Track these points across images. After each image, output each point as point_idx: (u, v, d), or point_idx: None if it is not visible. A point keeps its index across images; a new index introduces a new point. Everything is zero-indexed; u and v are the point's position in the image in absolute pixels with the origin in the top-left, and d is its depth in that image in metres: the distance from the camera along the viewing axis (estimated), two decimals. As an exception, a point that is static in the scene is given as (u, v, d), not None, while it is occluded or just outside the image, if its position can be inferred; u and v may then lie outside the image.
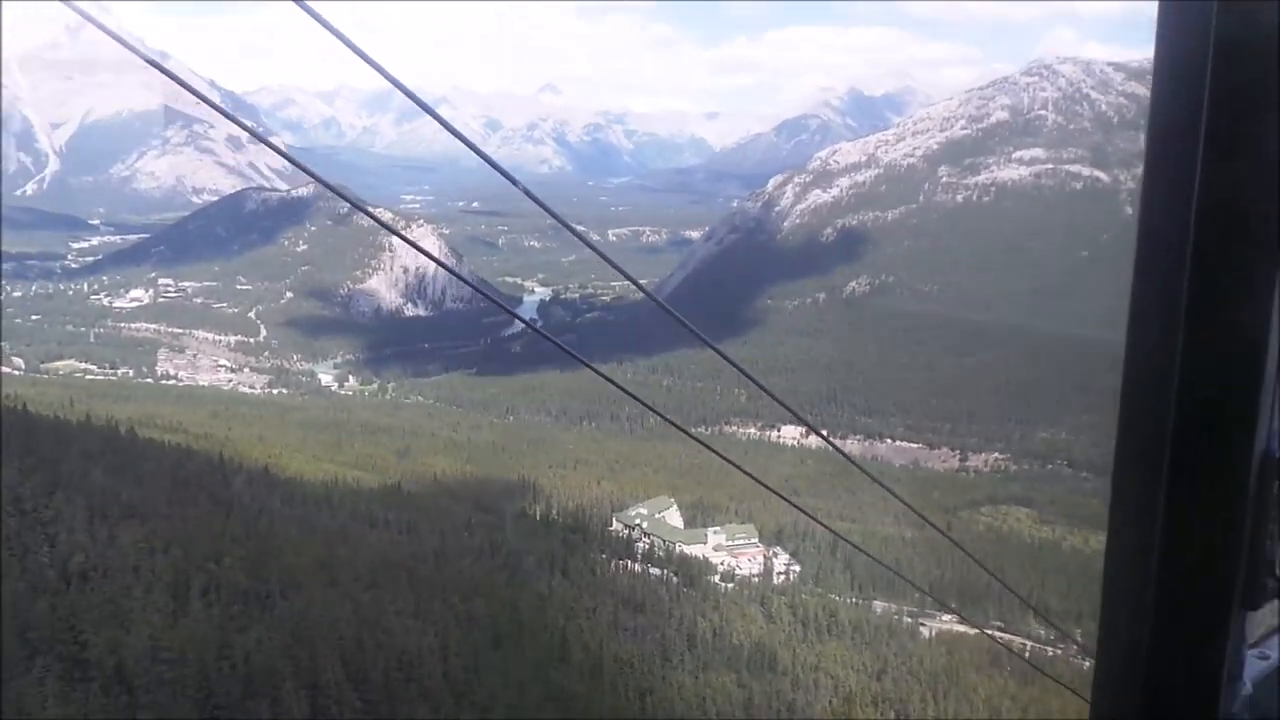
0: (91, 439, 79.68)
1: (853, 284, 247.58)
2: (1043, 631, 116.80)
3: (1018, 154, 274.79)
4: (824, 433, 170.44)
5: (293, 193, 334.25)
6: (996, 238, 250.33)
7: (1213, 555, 1.69)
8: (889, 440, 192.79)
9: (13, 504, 47.32)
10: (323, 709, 38.27)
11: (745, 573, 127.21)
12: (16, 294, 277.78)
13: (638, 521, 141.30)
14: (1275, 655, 2.18)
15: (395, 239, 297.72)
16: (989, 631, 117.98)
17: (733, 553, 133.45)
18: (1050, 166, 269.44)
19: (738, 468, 6.78)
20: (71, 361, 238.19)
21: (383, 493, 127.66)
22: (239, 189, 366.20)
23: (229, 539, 59.25)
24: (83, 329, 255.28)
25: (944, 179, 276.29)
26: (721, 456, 7.14)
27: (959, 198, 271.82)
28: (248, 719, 33.34)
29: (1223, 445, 1.65)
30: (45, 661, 29.87)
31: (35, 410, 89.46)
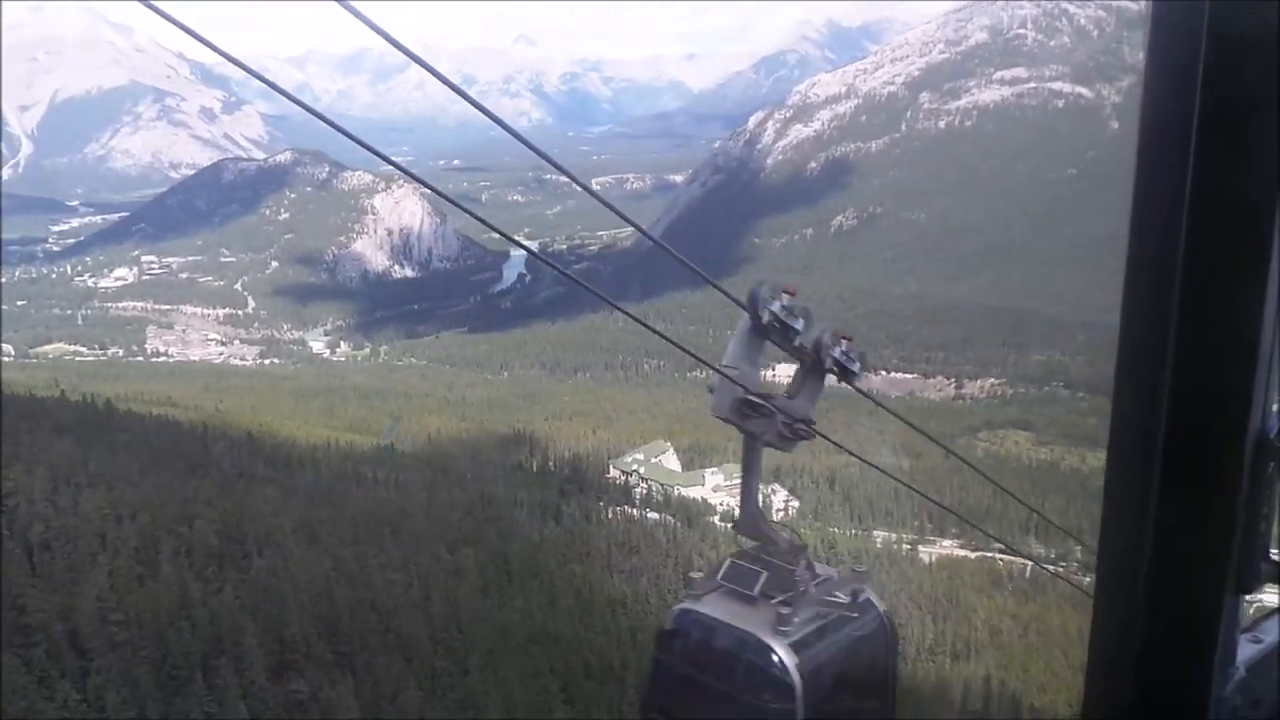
0: (65, 414, 78.42)
1: (840, 218, 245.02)
2: (1042, 550, 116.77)
3: (999, 75, 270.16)
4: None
5: (270, 161, 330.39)
6: (982, 162, 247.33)
7: (1206, 541, 1.69)
8: (883, 372, 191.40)
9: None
10: (290, 663, 37.37)
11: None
12: (2, 280, 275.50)
13: (634, 467, 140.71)
14: (1268, 639, 2.21)
15: (376, 200, 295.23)
16: (990, 553, 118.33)
17: (731, 493, 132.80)
18: (1032, 86, 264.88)
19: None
20: (60, 344, 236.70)
21: (374, 454, 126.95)
22: (216, 161, 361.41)
23: (202, 503, 58.12)
24: (70, 311, 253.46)
25: (925, 105, 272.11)
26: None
27: (941, 124, 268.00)
28: (206, 677, 32.40)
29: (1217, 431, 1.64)
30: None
31: (11, 391, 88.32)
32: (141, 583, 42.36)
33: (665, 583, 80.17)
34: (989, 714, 47.29)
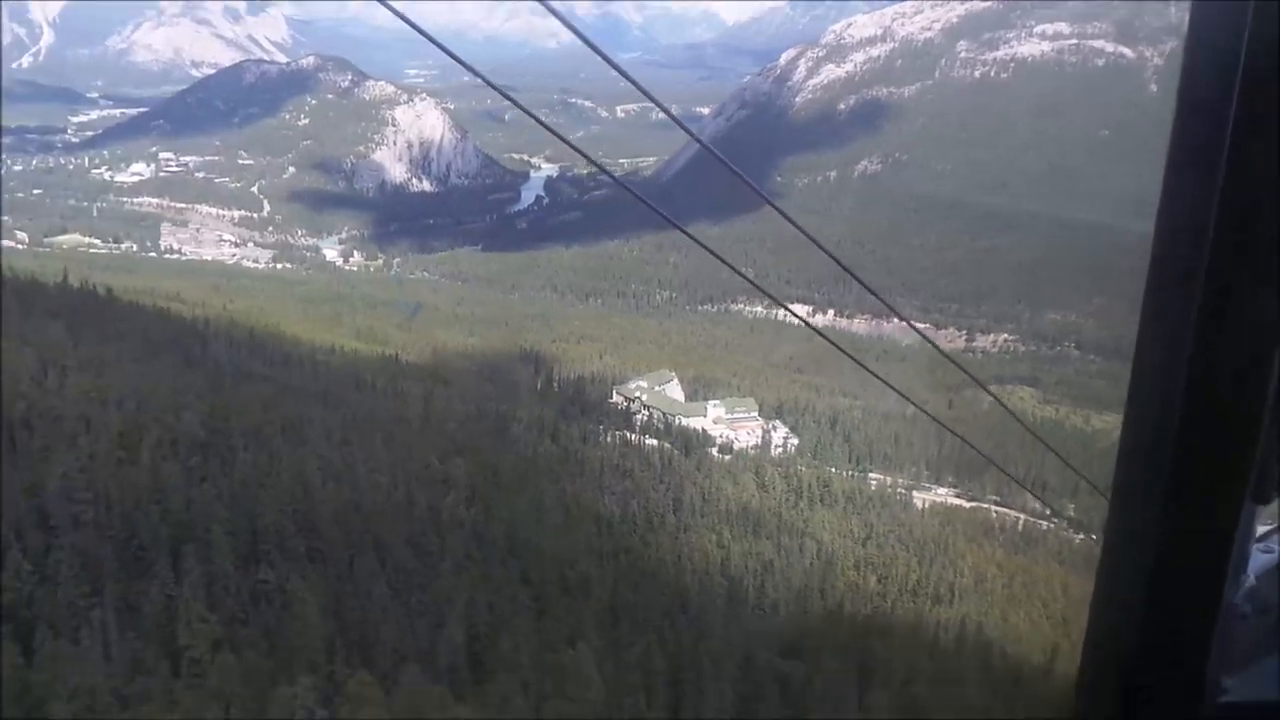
0: (64, 300, 78.14)
1: (865, 162, 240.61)
2: (1037, 506, 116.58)
3: (1040, 28, 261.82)
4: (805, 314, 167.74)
5: (293, 65, 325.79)
6: (1014, 116, 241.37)
7: (1227, 449, 1.68)
8: (895, 320, 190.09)
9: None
10: (262, 554, 37.28)
11: (743, 445, 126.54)
12: (17, 167, 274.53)
13: (637, 394, 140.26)
14: (1279, 549, 2.23)
15: (398, 112, 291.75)
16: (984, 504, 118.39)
17: (732, 425, 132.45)
18: (1074, 42, 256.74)
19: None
20: (75, 236, 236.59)
21: (377, 361, 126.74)
22: (238, 61, 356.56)
23: (192, 395, 57.87)
24: (85, 203, 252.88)
25: (962, 54, 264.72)
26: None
27: (976, 74, 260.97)
28: (174, 561, 32.27)
29: (1246, 337, 1.61)
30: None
31: (14, 275, 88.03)
32: (120, 467, 42.16)
33: (654, 506, 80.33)
34: (961, 655, 47.32)
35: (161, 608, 27.64)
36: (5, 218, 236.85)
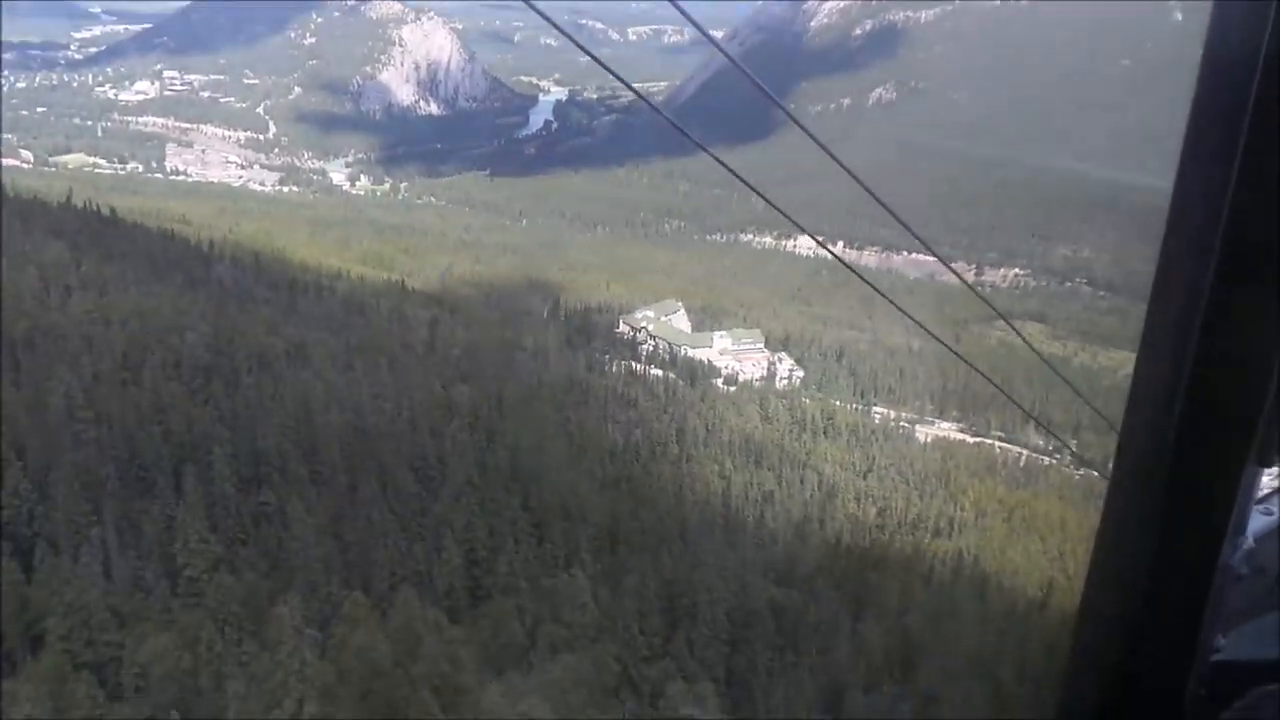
0: (67, 219, 77.67)
1: (880, 90, 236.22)
2: (1041, 442, 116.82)
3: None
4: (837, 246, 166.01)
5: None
6: (1035, 44, 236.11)
7: (1232, 412, 1.67)
8: (905, 253, 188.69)
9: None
10: (264, 475, 37.49)
11: (748, 376, 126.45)
12: (20, 85, 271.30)
13: (644, 324, 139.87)
14: (1278, 512, 2.25)
15: (405, 32, 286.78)
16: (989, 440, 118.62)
17: (738, 357, 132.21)
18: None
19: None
20: (80, 155, 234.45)
21: (383, 286, 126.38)
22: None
23: (196, 316, 57.80)
24: (90, 122, 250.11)
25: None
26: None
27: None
28: (175, 481, 32.45)
29: (1253, 304, 1.60)
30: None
31: (17, 195, 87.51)
32: (124, 388, 42.26)
33: (657, 436, 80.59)
34: (956, 588, 47.74)
35: (163, 527, 27.84)
36: (9, 136, 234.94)
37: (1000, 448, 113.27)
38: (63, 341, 44.56)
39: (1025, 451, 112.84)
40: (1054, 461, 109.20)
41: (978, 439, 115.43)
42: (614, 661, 25.97)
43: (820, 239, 10.24)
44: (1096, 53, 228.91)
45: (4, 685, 19.23)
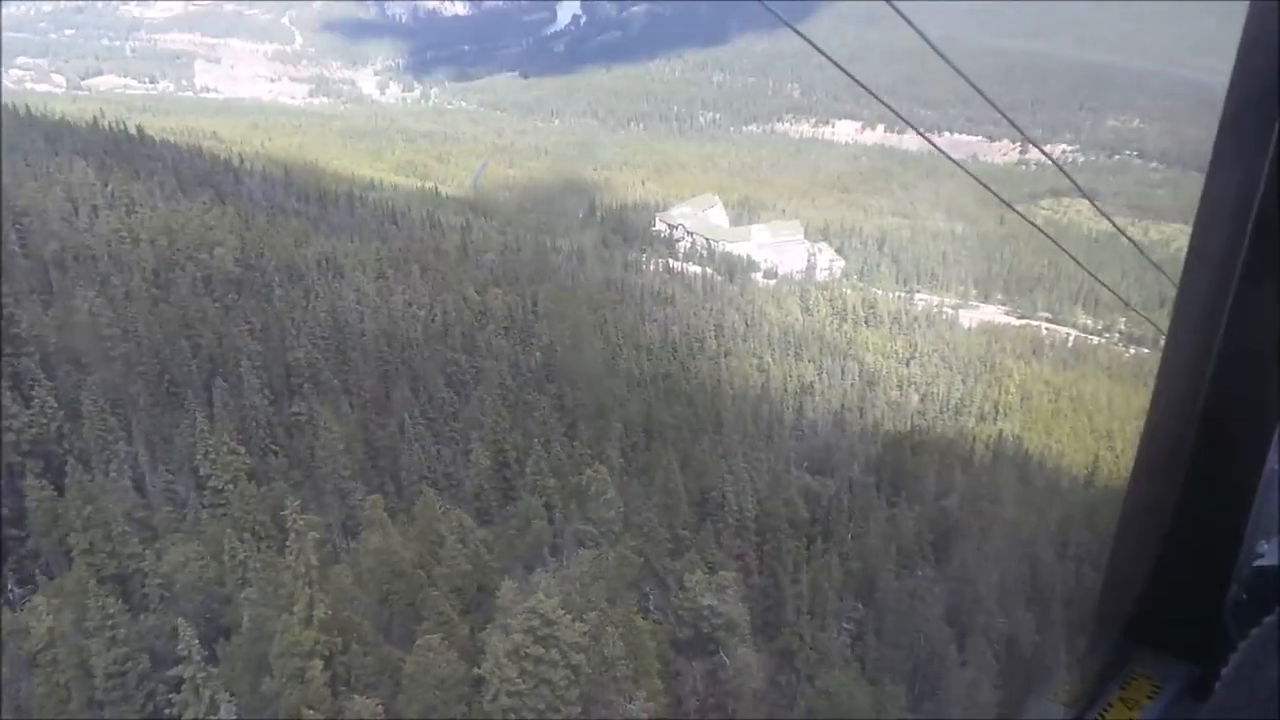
0: (94, 141, 77.52)
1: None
2: (1089, 321, 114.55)
3: None
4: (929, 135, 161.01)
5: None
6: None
7: (1266, 367, 1.66)
8: (946, 133, 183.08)
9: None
10: (296, 386, 37.65)
11: (788, 269, 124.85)
12: (47, 8, 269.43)
13: (680, 220, 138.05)
14: None
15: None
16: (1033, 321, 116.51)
17: (777, 249, 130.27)
18: None
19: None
20: (111, 77, 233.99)
21: (417, 195, 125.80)
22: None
23: (225, 230, 57.68)
24: (118, 42, 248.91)
25: None
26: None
27: None
28: (208, 395, 32.68)
29: None
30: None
31: (45, 117, 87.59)
32: (154, 305, 42.39)
33: (695, 332, 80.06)
34: (997, 470, 47.21)
35: (193, 441, 28.09)
36: (40, 61, 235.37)
37: (1047, 329, 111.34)
38: (92, 261, 44.75)
39: (1073, 331, 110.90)
40: (1103, 340, 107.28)
41: (1023, 321, 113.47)
42: (635, 555, 26.04)
43: (923, 132, 9.50)
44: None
45: (33, 599, 19.85)
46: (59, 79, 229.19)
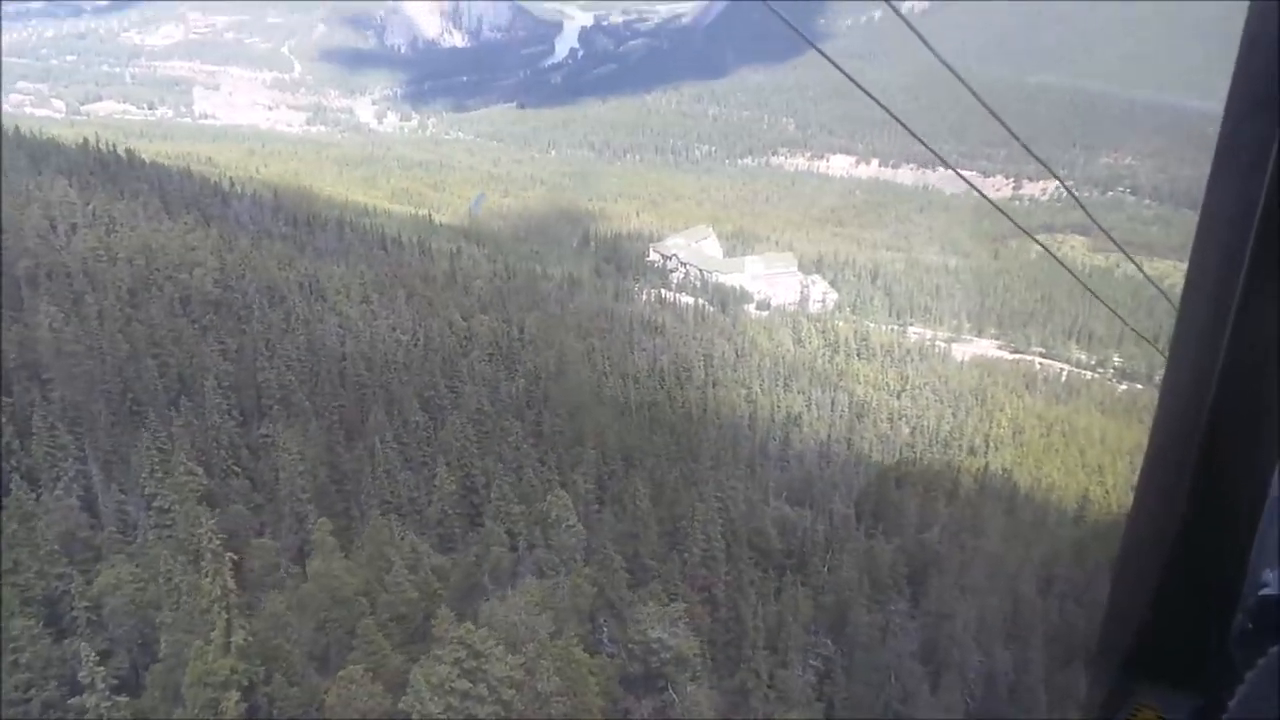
0: (80, 161, 77.06)
1: (911, 2, 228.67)
2: (1083, 356, 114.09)
3: None
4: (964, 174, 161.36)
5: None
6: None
7: (1269, 391, 1.61)
8: (941, 169, 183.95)
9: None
10: (265, 408, 36.81)
11: (781, 300, 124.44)
12: (49, 33, 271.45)
13: (674, 251, 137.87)
14: None
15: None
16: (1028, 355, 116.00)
17: (770, 281, 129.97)
18: None
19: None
20: (110, 103, 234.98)
21: (410, 221, 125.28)
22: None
23: (207, 251, 57.02)
24: (118, 69, 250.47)
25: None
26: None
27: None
28: (164, 413, 31.78)
29: None
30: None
31: (32, 138, 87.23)
32: (127, 324, 41.62)
33: (684, 362, 79.21)
34: (983, 503, 46.24)
35: (154, 461, 27.21)
36: (41, 86, 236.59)
37: (1040, 363, 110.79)
38: (66, 279, 44.00)
39: (1066, 366, 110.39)
40: (1096, 375, 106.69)
41: (1017, 355, 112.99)
42: (589, 585, 25.03)
43: (958, 170, 9.02)
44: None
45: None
46: (58, 104, 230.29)
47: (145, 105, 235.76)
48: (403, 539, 26.34)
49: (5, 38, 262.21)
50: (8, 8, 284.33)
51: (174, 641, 19.26)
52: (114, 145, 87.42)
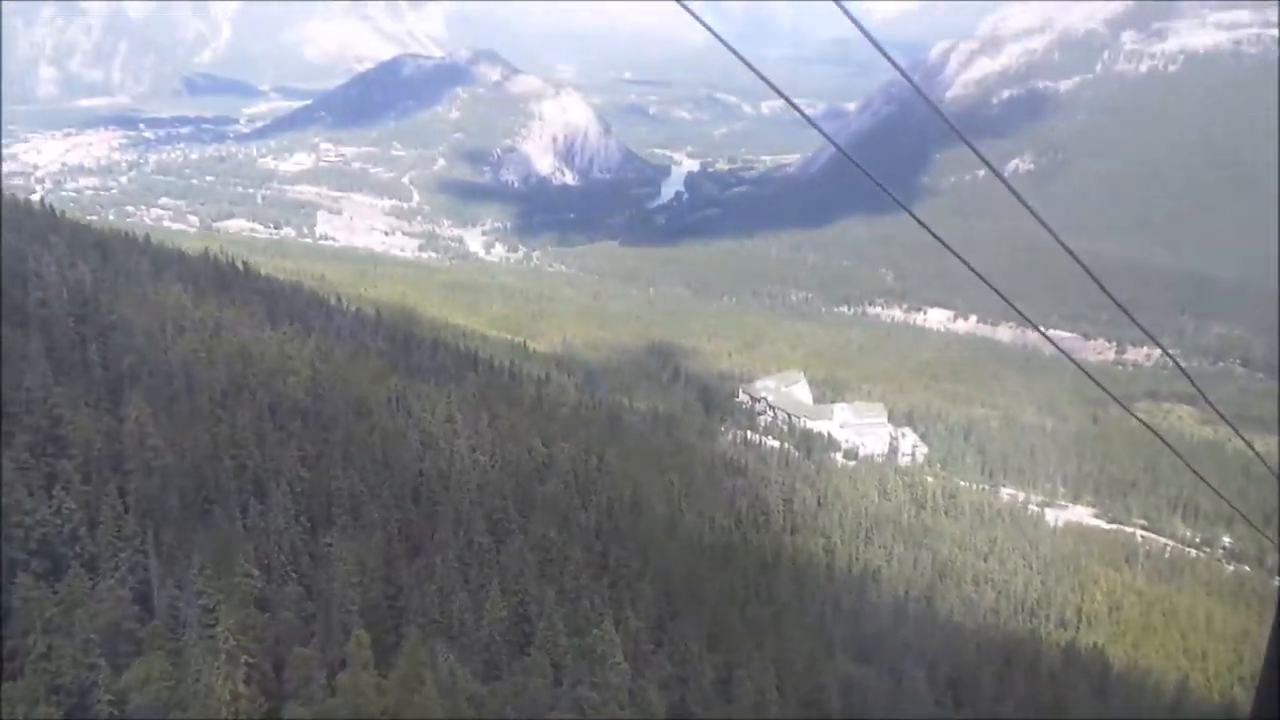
0: (200, 269, 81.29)
1: (1017, 160, 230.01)
2: (1188, 532, 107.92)
3: (1215, 17, 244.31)
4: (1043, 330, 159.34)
5: (447, 59, 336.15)
6: (1182, 112, 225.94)
7: None
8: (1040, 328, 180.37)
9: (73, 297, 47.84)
10: (335, 516, 36.94)
11: (869, 451, 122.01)
12: (194, 156, 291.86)
13: (763, 394, 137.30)
14: None
15: (545, 106, 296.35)
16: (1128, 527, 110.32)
17: (858, 430, 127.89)
18: (1254, 31, 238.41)
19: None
20: (241, 221, 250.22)
21: (504, 347, 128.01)
22: (396, 56, 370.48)
23: (302, 361, 58.94)
24: (251, 190, 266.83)
25: (1127, 46, 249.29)
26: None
27: (1143, 67, 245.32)
28: (232, 512, 32.08)
29: None
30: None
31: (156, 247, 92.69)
32: (216, 424, 42.81)
33: (762, 505, 77.73)
34: (1069, 679, 43.06)
35: (211, 559, 27.39)
36: (179, 202, 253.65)
37: (1142, 536, 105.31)
38: (166, 377, 45.82)
39: (1170, 542, 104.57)
40: (1203, 555, 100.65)
41: (1115, 525, 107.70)
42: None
43: (1044, 331, 9.04)
44: (1250, 118, 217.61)
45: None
46: (193, 219, 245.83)
47: (271, 225, 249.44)
48: (444, 661, 25.72)
49: (153, 157, 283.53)
50: (159, 131, 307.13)
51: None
52: (233, 258, 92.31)
